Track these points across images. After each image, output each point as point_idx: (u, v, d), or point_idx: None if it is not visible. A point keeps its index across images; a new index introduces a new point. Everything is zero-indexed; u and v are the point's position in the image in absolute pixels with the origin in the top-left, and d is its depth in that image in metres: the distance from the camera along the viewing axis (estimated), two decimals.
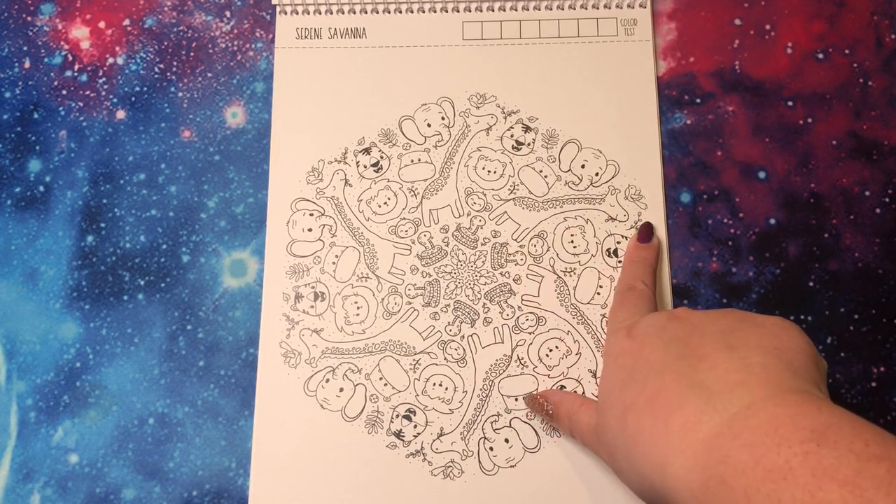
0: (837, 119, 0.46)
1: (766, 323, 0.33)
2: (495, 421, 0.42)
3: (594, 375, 0.43)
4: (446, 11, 0.48)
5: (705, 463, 0.28)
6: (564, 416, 0.39)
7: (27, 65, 0.48)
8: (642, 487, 0.32)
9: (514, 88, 0.46)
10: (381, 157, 0.46)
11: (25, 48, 0.48)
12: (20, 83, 0.47)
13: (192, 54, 0.48)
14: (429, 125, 0.46)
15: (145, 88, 0.47)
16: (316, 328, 0.43)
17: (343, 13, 0.48)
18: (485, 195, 0.45)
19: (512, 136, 0.46)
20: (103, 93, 0.47)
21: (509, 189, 0.45)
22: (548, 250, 0.44)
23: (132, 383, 0.43)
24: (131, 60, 0.48)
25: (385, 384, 0.43)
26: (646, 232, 0.43)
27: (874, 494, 0.23)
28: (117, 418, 0.43)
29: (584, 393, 0.42)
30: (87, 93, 0.47)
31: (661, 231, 0.44)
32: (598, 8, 0.47)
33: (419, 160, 0.46)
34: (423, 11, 0.48)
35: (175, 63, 0.48)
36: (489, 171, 0.45)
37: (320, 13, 0.48)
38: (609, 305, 0.43)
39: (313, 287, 0.44)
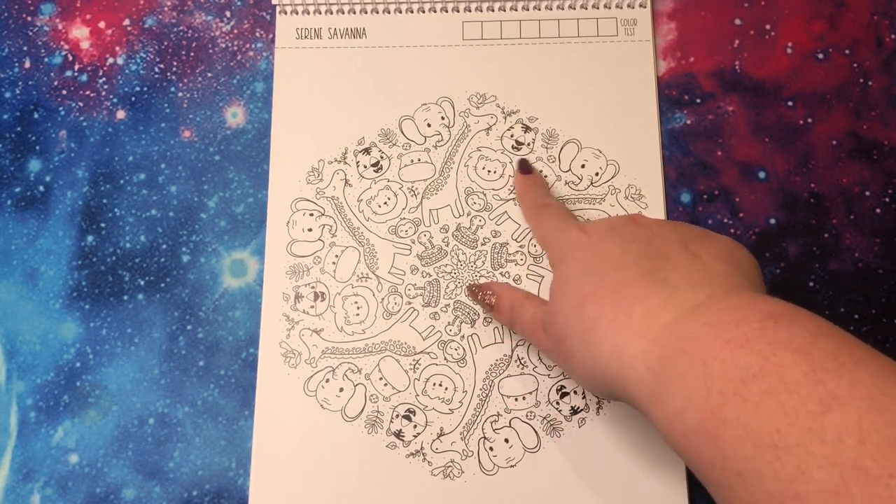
0: (837, 119, 0.46)
1: (720, 238, 0.35)
2: (495, 421, 0.42)
3: None
4: (446, 11, 0.48)
5: (665, 342, 0.29)
6: (506, 307, 0.40)
7: (27, 65, 0.48)
8: (594, 372, 0.32)
9: (514, 88, 0.46)
10: (381, 157, 0.46)
11: (25, 48, 0.48)
12: (20, 83, 0.47)
13: (192, 54, 0.48)
14: (429, 125, 0.46)
15: (145, 88, 0.47)
16: (316, 328, 0.43)
17: (343, 13, 0.48)
18: (485, 195, 0.45)
19: (512, 136, 0.46)
20: (103, 93, 0.47)
21: (509, 189, 0.45)
22: None
23: (132, 383, 0.43)
24: (131, 60, 0.48)
25: (385, 384, 0.43)
26: (526, 165, 0.45)
27: (824, 359, 0.25)
28: (117, 418, 0.43)
29: (584, 393, 0.42)
30: (87, 93, 0.47)
31: None
32: (598, 8, 0.47)
33: (419, 160, 0.46)
34: (423, 11, 0.48)
35: (175, 63, 0.48)
36: (489, 171, 0.45)
37: (320, 13, 0.48)
38: None
39: (313, 287, 0.44)
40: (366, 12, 0.48)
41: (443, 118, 0.46)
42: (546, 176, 0.45)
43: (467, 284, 0.44)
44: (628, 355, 0.30)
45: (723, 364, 0.26)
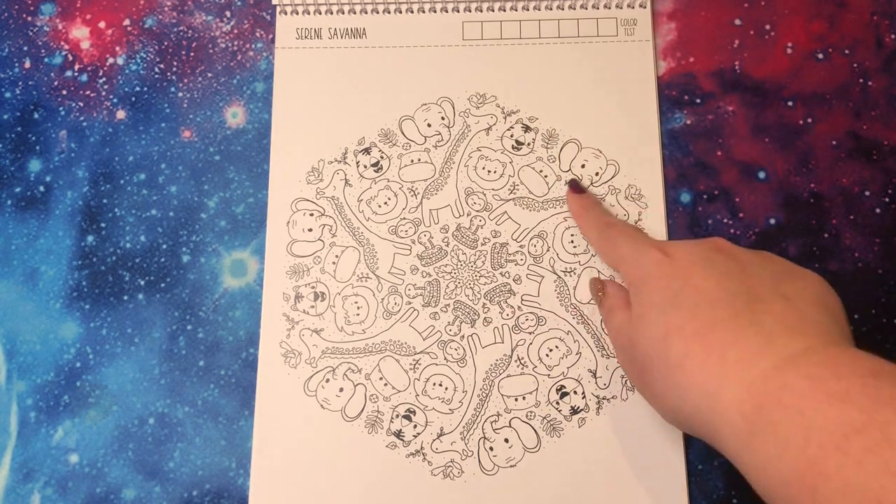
0: (837, 119, 0.46)
1: (809, 276, 0.34)
2: (495, 421, 0.42)
3: (594, 375, 0.43)
4: (446, 11, 0.48)
5: (761, 389, 0.29)
6: (606, 307, 0.40)
7: (27, 65, 0.48)
8: (679, 409, 0.32)
9: (514, 88, 0.46)
10: (381, 157, 0.46)
11: (25, 48, 0.48)
12: (20, 83, 0.47)
13: (192, 54, 0.48)
14: (429, 125, 0.46)
15: (145, 88, 0.47)
16: (316, 328, 0.43)
17: (343, 13, 0.48)
18: (485, 195, 0.45)
19: (512, 136, 0.46)
20: (103, 93, 0.47)
21: (509, 189, 0.45)
22: (548, 250, 0.44)
23: (132, 383, 0.43)
24: (131, 60, 0.48)
25: (385, 384, 0.43)
26: (577, 184, 0.44)
27: None
28: (117, 418, 0.43)
29: (583, 393, 0.42)
30: (88, 93, 0.47)
31: (661, 231, 0.44)
32: (598, 8, 0.47)
33: (419, 160, 0.46)
34: (423, 11, 0.48)
35: (175, 63, 0.48)
36: (489, 171, 0.45)
37: (320, 13, 0.48)
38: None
39: (313, 287, 0.44)
40: (366, 12, 0.48)
41: (443, 118, 0.46)
42: (546, 176, 0.45)
43: (592, 277, 0.43)
44: (722, 400, 0.30)
45: (824, 417, 0.26)
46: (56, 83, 0.47)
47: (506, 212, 0.45)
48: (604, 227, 0.42)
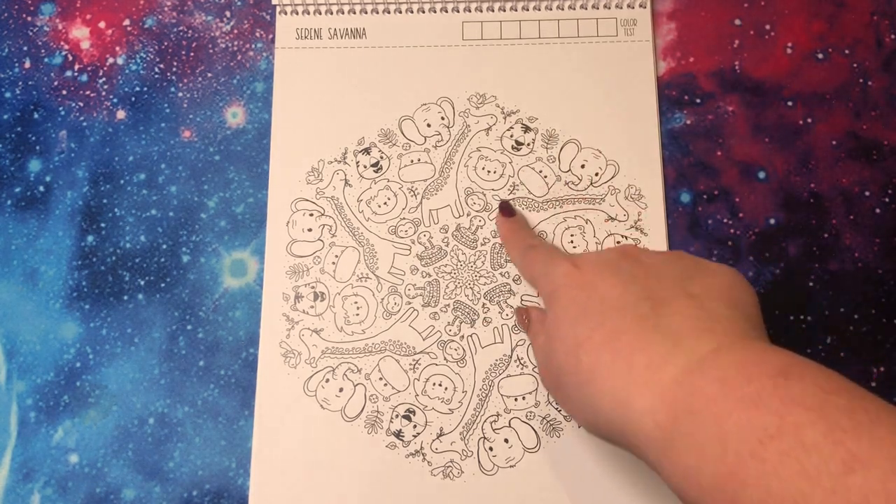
0: (837, 119, 0.46)
1: (719, 272, 0.34)
2: (495, 421, 0.42)
3: None
4: (446, 11, 0.48)
5: (673, 397, 0.28)
6: (532, 332, 0.40)
7: (27, 65, 0.48)
8: (595, 420, 0.32)
9: (514, 88, 0.46)
10: (381, 157, 0.46)
11: (25, 48, 0.48)
12: (20, 83, 0.48)
13: (192, 54, 0.48)
14: (429, 125, 0.46)
15: (145, 88, 0.47)
16: (316, 328, 0.43)
17: (343, 13, 0.48)
18: (485, 195, 0.45)
19: (512, 136, 0.46)
20: (103, 93, 0.47)
21: (509, 189, 0.45)
22: None
23: (132, 383, 0.43)
24: (131, 60, 0.48)
25: (385, 384, 0.43)
26: (507, 207, 0.44)
27: (839, 417, 0.25)
28: (117, 418, 0.43)
29: None
30: (87, 93, 0.47)
31: (661, 231, 0.44)
32: (598, 8, 0.47)
33: (419, 160, 0.46)
34: (423, 11, 0.48)
35: (175, 63, 0.48)
36: (489, 171, 0.45)
37: (320, 13, 0.48)
38: None
39: (313, 287, 0.44)
40: (366, 12, 0.48)
41: (443, 118, 0.46)
42: (546, 176, 0.45)
43: (517, 307, 0.43)
44: (634, 409, 0.29)
45: (737, 423, 0.26)
46: (56, 83, 0.47)
47: None
48: (526, 248, 0.41)
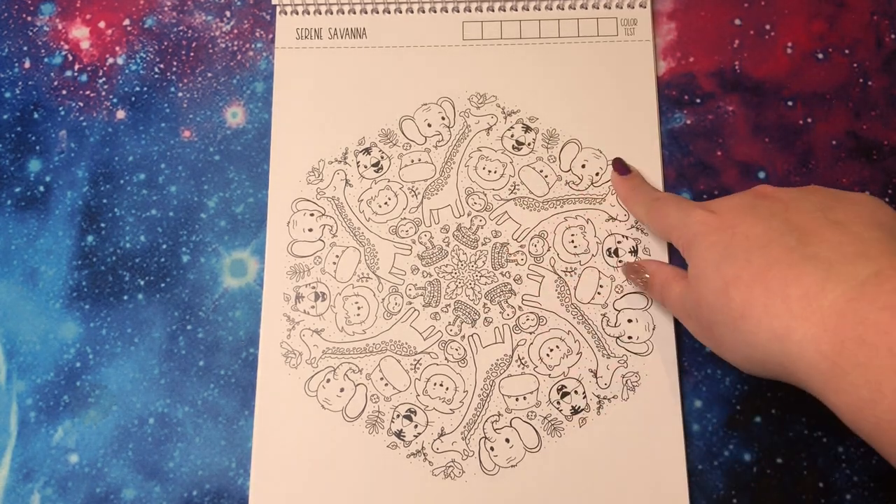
0: (837, 119, 0.46)
1: (858, 199, 0.33)
2: (496, 421, 0.42)
3: (595, 375, 0.43)
4: (446, 11, 0.48)
5: (837, 326, 0.28)
6: (657, 286, 0.40)
7: (27, 65, 0.48)
8: (752, 359, 0.32)
9: (514, 88, 0.46)
10: (382, 157, 0.46)
11: (25, 48, 0.48)
12: (20, 83, 0.47)
13: (192, 54, 0.48)
14: (429, 125, 0.46)
15: (145, 88, 0.47)
16: (316, 328, 0.43)
17: (343, 13, 0.48)
18: (485, 195, 0.45)
19: (512, 136, 0.46)
20: (103, 93, 0.47)
21: (510, 189, 0.45)
22: (548, 250, 0.44)
23: (132, 383, 0.43)
24: (131, 60, 0.48)
25: (386, 384, 0.43)
26: (622, 164, 0.44)
27: None
28: (117, 418, 0.43)
29: (584, 392, 0.42)
30: (87, 93, 0.47)
31: None
32: (598, 8, 0.47)
33: (419, 160, 0.46)
34: (423, 11, 0.48)
35: (175, 63, 0.48)
36: (489, 171, 0.45)
37: (320, 13, 0.48)
38: (610, 303, 0.43)
39: (314, 287, 0.44)
40: (366, 12, 0.48)
41: (443, 118, 0.46)
42: (546, 176, 0.45)
43: (623, 264, 0.43)
44: (793, 340, 0.29)
45: None
46: (56, 83, 0.47)
47: (506, 212, 0.45)
48: (651, 202, 0.41)
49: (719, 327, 0.33)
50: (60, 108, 0.47)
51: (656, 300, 0.42)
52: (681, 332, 0.43)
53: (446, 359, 0.43)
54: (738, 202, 0.35)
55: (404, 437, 0.42)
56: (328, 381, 0.43)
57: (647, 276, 0.41)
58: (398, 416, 0.42)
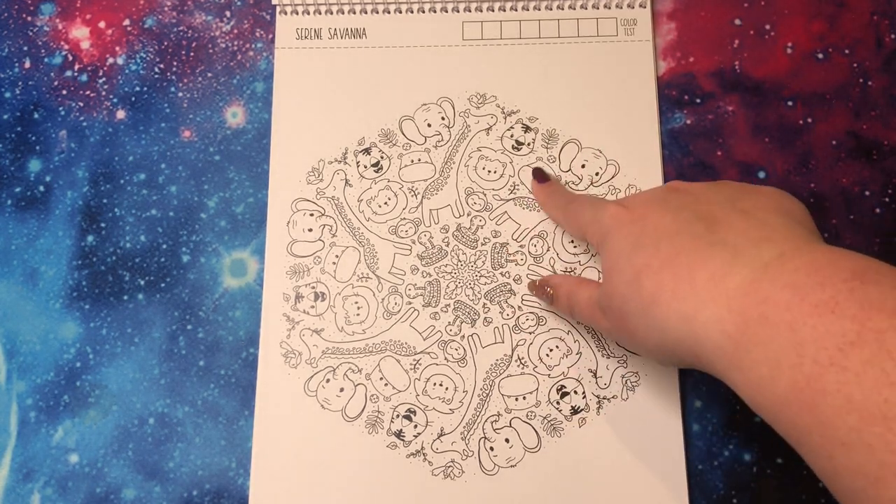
0: (837, 119, 0.46)
1: (764, 191, 0.34)
2: (495, 421, 0.42)
3: (594, 375, 0.43)
4: (446, 11, 0.48)
5: (741, 306, 0.28)
6: (564, 296, 0.40)
7: (27, 65, 0.48)
8: (663, 344, 0.32)
9: (514, 88, 0.46)
10: (382, 157, 0.46)
11: (25, 48, 0.48)
12: (20, 83, 0.47)
13: (192, 54, 0.48)
14: (429, 125, 0.46)
15: (145, 88, 0.47)
16: (316, 328, 0.43)
17: (343, 13, 0.48)
18: (485, 195, 0.45)
19: (512, 136, 0.46)
20: (103, 93, 0.47)
21: (509, 189, 0.45)
22: (548, 250, 0.44)
23: (132, 383, 0.43)
24: (131, 60, 0.48)
25: (385, 384, 0.43)
26: (540, 173, 0.44)
27: None
28: (117, 418, 0.43)
29: (584, 392, 0.42)
30: (87, 93, 0.47)
31: None
32: (598, 8, 0.47)
33: (419, 160, 0.46)
34: (423, 11, 0.48)
35: (175, 63, 0.48)
36: (489, 171, 0.45)
37: (320, 13, 0.48)
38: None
39: (313, 287, 0.44)
40: (366, 12, 0.48)
41: (443, 118, 0.46)
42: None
43: (529, 282, 0.43)
44: (700, 321, 0.29)
45: (813, 330, 0.25)
46: (56, 83, 0.47)
47: (506, 212, 0.45)
48: (566, 204, 0.42)
49: (632, 317, 0.33)
50: (60, 108, 0.47)
51: (564, 313, 0.42)
52: None
53: (446, 359, 0.43)
54: (649, 196, 0.36)
55: (404, 437, 0.42)
56: (328, 381, 0.43)
57: (549, 290, 0.41)
58: (398, 416, 0.42)
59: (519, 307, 0.44)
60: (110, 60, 0.48)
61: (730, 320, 0.28)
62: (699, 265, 0.30)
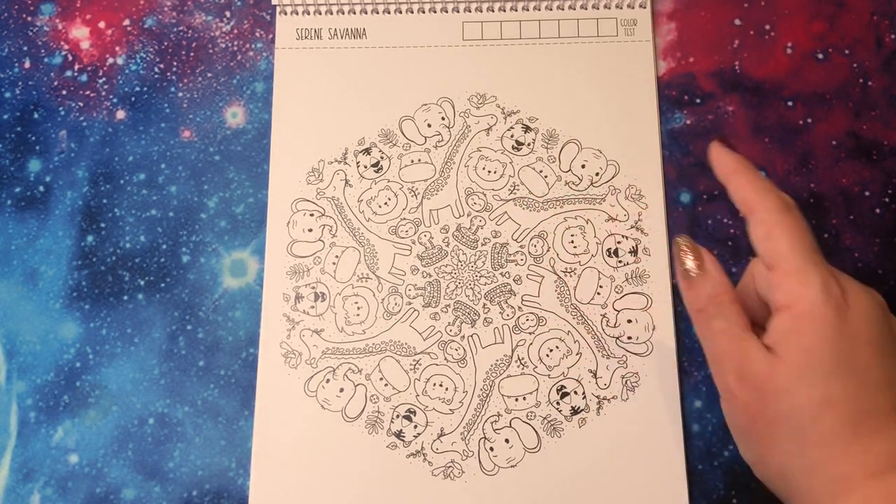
0: (837, 119, 0.46)
1: None
2: (495, 421, 0.42)
3: (594, 375, 0.43)
4: (446, 11, 0.48)
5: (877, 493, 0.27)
6: (702, 298, 0.32)
7: (27, 65, 0.48)
8: (789, 478, 0.30)
9: (514, 88, 0.46)
10: (382, 158, 0.46)
11: (25, 48, 0.48)
12: (20, 83, 0.47)
13: (192, 54, 0.48)
14: (429, 125, 0.46)
15: (145, 88, 0.47)
16: (316, 328, 0.43)
17: (343, 13, 0.48)
18: (485, 195, 0.45)
19: (512, 136, 0.46)
20: (103, 93, 0.47)
21: (509, 189, 0.45)
22: (548, 250, 0.44)
23: (132, 383, 0.43)
24: (131, 60, 0.48)
25: (385, 384, 0.43)
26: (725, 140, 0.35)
27: None
28: (117, 418, 0.43)
29: (584, 392, 0.42)
30: (87, 93, 0.47)
31: (661, 231, 0.44)
32: (598, 8, 0.47)
33: (419, 160, 0.46)
34: (423, 11, 0.48)
35: (175, 63, 0.48)
36: (489, 172, 0.45)
37: (320, 13, 0.48)
38: (610, 304, 0.43)
39: (313, 287, 0.44)
40: (366, 12, 0.48)
41: (443, 118, 0.46)
42: (546, 176, 0.45)
43: (680, 236, 0.34)
44: (847, 497, 0.28)
45: None
46: (56, 83, 0.47)
47: (506, 212, 0.45)
48: (781, 206, 0.33)
49: (783, 433, 0.29)
50: (60, 108, 0.47)
51: (688, 305, 0.33)
52: (681, 333, 0.43)
53: (446, 359, 0.43)
54: (871, 307, 0.30)
55: (404, 437, 0.42)
56: (328, 381, 0.43)
57: (696, 264, 0.32)
58: (398, 416, 0.42)
59: (519, 307, 0.44)
60: (110, 60, 0.48)
61: None
62: (882, 437, 0.28)
